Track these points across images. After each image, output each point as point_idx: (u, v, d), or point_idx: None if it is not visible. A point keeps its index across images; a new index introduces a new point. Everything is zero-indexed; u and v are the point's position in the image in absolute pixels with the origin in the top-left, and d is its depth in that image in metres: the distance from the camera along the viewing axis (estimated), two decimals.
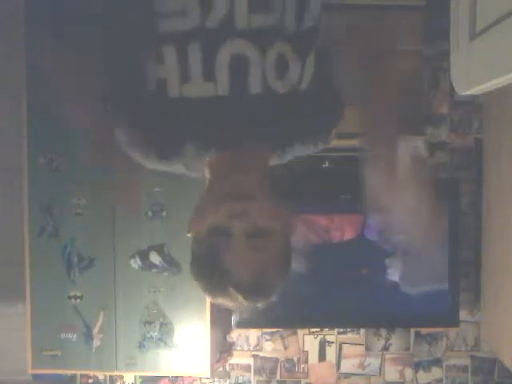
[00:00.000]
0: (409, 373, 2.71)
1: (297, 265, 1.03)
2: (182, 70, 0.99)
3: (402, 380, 2.72)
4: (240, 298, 0.94)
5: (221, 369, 2.70)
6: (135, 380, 2.73)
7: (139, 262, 2.30)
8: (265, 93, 1.00)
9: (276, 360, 2.73)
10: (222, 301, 0.97)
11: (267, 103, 1.01)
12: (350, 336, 2.71)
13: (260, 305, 0.99)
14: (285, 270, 0.99)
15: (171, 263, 2.29)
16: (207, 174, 1.06)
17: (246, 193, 0.94)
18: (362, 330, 2.70)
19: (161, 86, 1.01)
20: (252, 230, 0.93)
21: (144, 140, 1.06)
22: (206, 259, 0.96)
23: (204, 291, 0.98)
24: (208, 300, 2.27)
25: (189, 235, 1.02)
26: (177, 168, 1.08)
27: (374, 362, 2.71)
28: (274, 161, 1.08)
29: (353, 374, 2.72)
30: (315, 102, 1.07)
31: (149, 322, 2.32)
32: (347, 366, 2.72)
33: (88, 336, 2.33)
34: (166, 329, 2.32)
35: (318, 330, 2.70)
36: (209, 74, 0.98)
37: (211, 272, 0.94)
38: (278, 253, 0.97)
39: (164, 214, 2.29)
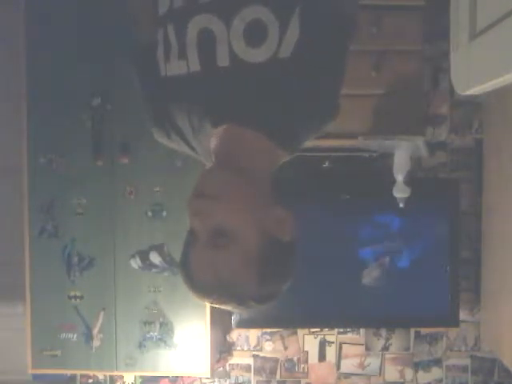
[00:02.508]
0: (409, 373, 2.71)
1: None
2: (165, 51, 1.02)
3: (402, 380, 2.72)
4: (205, 300, 0.90)
5: (221, 369, 2.70)
6: (135, 380, 2.73)
7: (139, 262, 2.30)
8: (235, 65, 0.95)
9: (276, 360, 2.73)
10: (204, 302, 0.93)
11: (242, 76, 0.95)
12: (350, 336, 2.71)
13: (234, 309, 0.93)
14: (263, 274, 0.90)
15: (171, 263, 2.29)
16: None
17: (211, 193, 0.88)
18: (362, 330, 2.70)
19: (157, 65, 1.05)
20: (214, 230, 0.87)
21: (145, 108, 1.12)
22: (180, 260, 0.93)
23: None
24: None
25: None
26: (185, 149, 1.09)
27: (374, 361, 2.71)
28: (283, 157, 1.01)
29: (353, 374, 2.72)
30: (306, 72, 0.95)
31: (149, 322, 2.31)
32: (347, 365, 2.72)
33: (88, 336, 2.33)
34: (165, 329, 2.32)
35: (318, 330, 2.70)
36: (182, 53, 0.99)
37: (183, 273, 0.91)
38: (250, 255, 0.88)
39: (164, 214, 2.28)
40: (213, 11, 0.95)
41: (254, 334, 2.71)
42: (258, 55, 0.94)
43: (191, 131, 1.03)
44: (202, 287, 0.89)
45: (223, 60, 0.95)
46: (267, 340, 2.71)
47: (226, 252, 0.88)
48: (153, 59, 1.06)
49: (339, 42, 0.98)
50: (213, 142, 0.98)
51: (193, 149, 1.08)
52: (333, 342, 2.72)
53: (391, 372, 2.71)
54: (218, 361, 2.62)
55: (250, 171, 0.92)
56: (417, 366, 2.71)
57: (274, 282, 0.93)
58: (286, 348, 2.72)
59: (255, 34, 0.93)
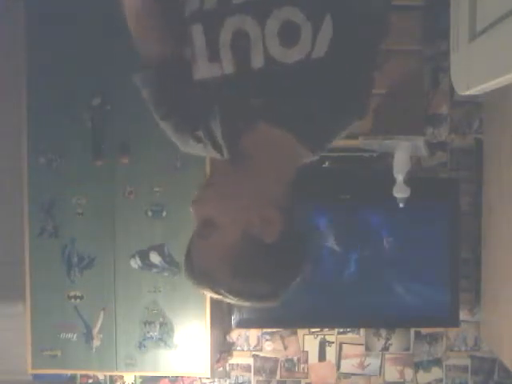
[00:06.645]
0: (409, 373, 2.71)
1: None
2: (191, 52, 1.01)
3: (401, 380, 2.71)
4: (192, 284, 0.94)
5: (221, 369, 2.70)
6: (135, 380, 2.73)
7: (139, 262, 2.30)
8: (270, 66, 0.95)
9: (276, 360, 2.73)
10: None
11: (275, 77, 0.96)
12: (350, 336, 2.71)
13: (221, 298, 0.94)
14: (237, 269, 0.90)
15: (171, 263, 2.29)
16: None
17: (210, 184, 0.95)
18: (362, 330, 2.70)
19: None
20: (204, 220, 0.92)
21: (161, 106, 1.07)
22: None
23: None
24: (208, 300, 2.27)
25: None
26: (210, 153, 1.08)
27: (374, 361, 2.71)
28: (307, 158, 1.03)
29: (353, 374, 2.72)
30: (338, 72, 0.96)
31: (149, 322, 2.32)
32: (347, 365, 2.72)
33: (88, 336, 2.33)
34: (166, 329, 2.32)
35: (318, 330, 2.70)
36: (214, 55, 0.98)
37: (185, 260, 0.96)
38: (226, 249, 0.90)
39: (164, 214, 2.29)
40: (246, 12, 0.95)
41: (253, 334, 2.71)
42: (291, 55, 0.95)
43: (221, 133, 1.03)
44: (188, 271, 0.94)
45: (257, 61, 0.96)
46: (267, 340, 2.71)
47: (207, 242, 0.91)
48: (175, 68, 1.04)
49: (372, 42, 0.99)
50: (241, 141, 0.98)
51: (220, 151, 1.06)
52: (333, 342, 2.71)
53: (391, 372, 2.71)
54: (218, 361, 2.62)
55: (263, 169, 0.93)
56: (417, 366, 2.71)
57: (250, 280, 0.92)
58: (285, 348, 2.72)
59: (289, 35, 0.94)
